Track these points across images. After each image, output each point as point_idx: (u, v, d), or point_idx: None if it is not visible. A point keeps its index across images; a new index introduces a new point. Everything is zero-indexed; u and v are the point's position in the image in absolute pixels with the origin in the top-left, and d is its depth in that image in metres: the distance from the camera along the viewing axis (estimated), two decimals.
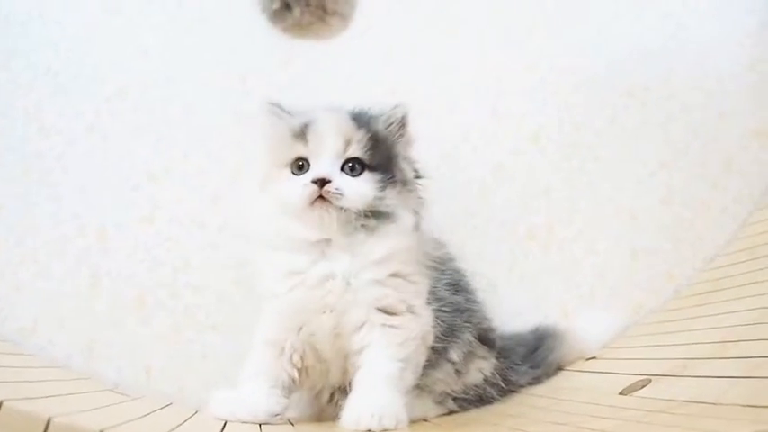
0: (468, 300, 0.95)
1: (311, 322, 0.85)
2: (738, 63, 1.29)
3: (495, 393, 0.95)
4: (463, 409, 0.94)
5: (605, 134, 1.27)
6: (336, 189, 0.82)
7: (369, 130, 0.87)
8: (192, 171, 1.19)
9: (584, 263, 1.23)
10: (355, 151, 0.85)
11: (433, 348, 0.88)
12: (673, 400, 0.76)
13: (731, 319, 0.93)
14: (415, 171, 0.92)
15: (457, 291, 0.93)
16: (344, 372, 0.86)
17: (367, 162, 0.86)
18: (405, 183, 0.89)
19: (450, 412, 0.93)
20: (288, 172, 0.87)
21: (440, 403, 0.93)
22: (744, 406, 0.66)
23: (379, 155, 0.87)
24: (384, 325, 0.83)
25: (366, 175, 0.85)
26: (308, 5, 1.22)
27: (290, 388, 0.87)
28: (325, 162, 0.84)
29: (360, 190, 0.84)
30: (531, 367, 1.04)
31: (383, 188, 0.85)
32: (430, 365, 0.89)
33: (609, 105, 1.28)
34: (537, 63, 1.29)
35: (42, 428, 0.61)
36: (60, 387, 0.92)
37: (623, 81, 1.29)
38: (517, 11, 1.31)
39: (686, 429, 0.65)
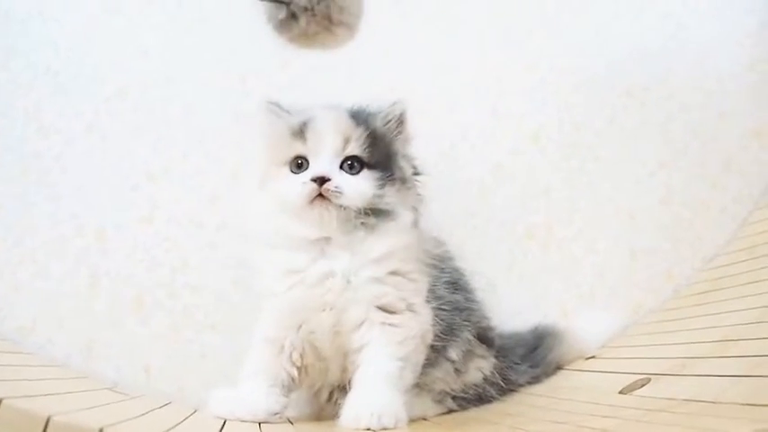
0: (467, 299, 0.95)
1: (311, 320, 0.85)
2: (738, 63, 1.29)
3: (494, 392, 0.95)
4: (462, 408, 0.94)
5: (605, 134, 1.28)
6: (336, 187, 0.82)
7: (367, 128, 0.86)
8: (191, 171, 1.19)
9: (583, 262, 1.23)
10: (354, 149, 0.85)
11: (432, 347, 0.88)
12: (672, 399, 0.76)
13: (731, 318, 0.93)
14: (414, 168, 0.92)
15: (456, 289, 0.93)
16: (344, 370, 0.86)
17: (366, 160, 0.85)
18: (404, 180, 0.88)
19: (450, 411, 0.93)
20: (287, 170, 0.87)
21: (439, 402, 0.93)
22: (743, 405, 0.66)
23: (378, 152, 0.86)
24: (384, 323, 0.83)
25: (365, 172, 0.85)
26: (314, 15, 1.22)
27: (290, 387, 0.87)
28: (324, 160, 0.84)
29: (359, 188, 0.83)
30: (531, 366, 1.04)
31: (382, 186, 0.85)
32: (429, 364, 0.89)
33: (608, 105, 1.28)
34: (537, 63, 1.29)
35: (42, 426, 0.60)
36: (59, 386, 0.92)
37: (623, 81, 1.29)
38: (517, 11, 1.31)
39: (686, 428, 0.65)
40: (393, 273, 0.85)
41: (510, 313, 1.12)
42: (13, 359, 1.01)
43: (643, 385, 0.85)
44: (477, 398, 0.95)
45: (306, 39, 1.24)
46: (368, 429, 0.75)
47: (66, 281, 1.12)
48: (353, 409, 0.77)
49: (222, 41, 1.24)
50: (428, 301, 0.88)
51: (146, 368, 1.10)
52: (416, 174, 0.91)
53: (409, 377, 0.84)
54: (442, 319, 0.89)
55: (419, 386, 0.89)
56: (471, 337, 0.93)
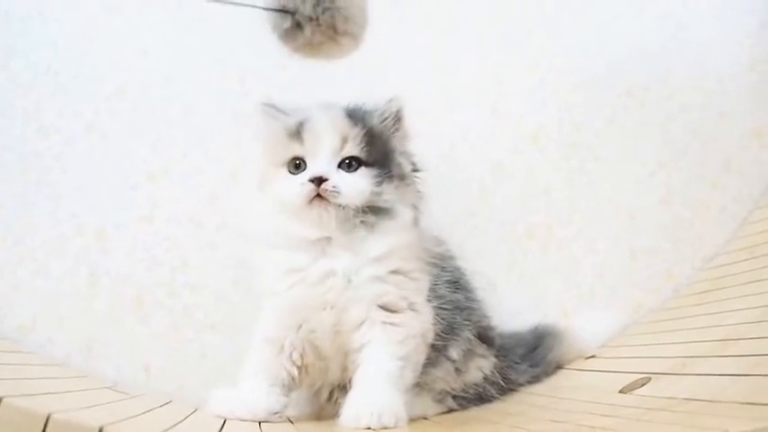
0: (467, 298, 0.95)
1: (311, 319, 0.85)
2: (738, 63, 1.29)
3: (494, 392, 0.95)
4: (463, 407, 0.94)
5: (605, 134, 1.28)
6: (333, 187, 0.81)
7: (364, 126, 0.86)
8: (191, 171, 1.19)
9: (583, 262, 1.23)
10: (352, 149, 0.85)
11: (432, 346, 0.88)
12: (672, 399, 0.76)
13: (731, 317, 0.93)
14: (413, 165, 0.91)
15: (457, 289, 0.93)
16: (344, 369, 0.86)
17: (363, 158, 0.85)
18: (402, 177, 0.88)
19: (450, 410, 0.93)
20: (285, 171, 0.87)
21: (439, 401, 0.93)
22: (743, 403, 0.66)
23: (376, 150, 0.86)
24: (384, 322, 0.83)
25: (363, 170, 0.85)
26: (318, 25, 1.22)
27: (290, 386, 0.87)
28: (322, 161, 0.84)
29: (357, 186, 0.83)
30: (531, 366, 1.04)
31: (380, 183, 0.85)
32: (430, 364, 0.89)
33: (608, 105, 1.28)
34: (537, 63, 1.29)
35: (42, 425, 0.60)
36: (59, 384, 0.92)
37: (623, 81, 1.29)
38: (517, 11, 1.31)
39: (686, 427, 0.65)
40: (394, 271, 0.85)
41: (510, 313, 1.12)
42: (13, 358, 1.01)
43: (643, 384, 0.85)
44: (477, 397, 0.95)
45: (310, 48, 1.24)
46: (368, 429, 0.75)
47: (67, 280, 1.12)
48: (354, 408, 0.77)
49: (221, 41, 1.24)
50: (429, 300, 0.88)
51: (146, 367, 1.10)
52: (416, 170, 0.91)
53: (410, 376, 0.83)
54: (442, 319, 0.89)
55: (419, 385, 0.89)
56: (472, 337, 0.93)
